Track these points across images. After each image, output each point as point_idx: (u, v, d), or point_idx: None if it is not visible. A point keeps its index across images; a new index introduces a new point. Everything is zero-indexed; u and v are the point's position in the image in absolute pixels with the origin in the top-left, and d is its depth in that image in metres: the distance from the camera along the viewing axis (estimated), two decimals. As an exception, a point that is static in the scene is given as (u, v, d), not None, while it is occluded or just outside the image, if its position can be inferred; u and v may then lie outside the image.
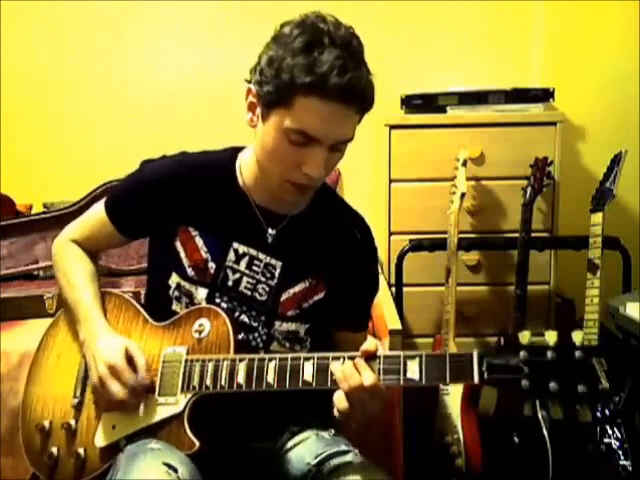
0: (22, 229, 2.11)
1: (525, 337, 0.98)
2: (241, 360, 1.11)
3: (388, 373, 1.03)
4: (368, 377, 1.01)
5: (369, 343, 1.05)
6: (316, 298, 1.24)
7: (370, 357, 1.04)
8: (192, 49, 2.53)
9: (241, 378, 1.10)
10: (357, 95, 1.06)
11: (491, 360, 0.99)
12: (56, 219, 2.08)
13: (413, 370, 1.01)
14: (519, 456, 1.82)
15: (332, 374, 1.04)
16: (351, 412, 1.03)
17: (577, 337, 0.96)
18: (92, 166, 2.47)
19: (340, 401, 1.03)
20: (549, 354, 0.96)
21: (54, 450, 1.21)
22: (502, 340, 2.04)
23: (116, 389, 1.14)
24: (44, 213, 2.18)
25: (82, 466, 1.18)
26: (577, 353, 0.95)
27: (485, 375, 0.98)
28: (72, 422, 1.21)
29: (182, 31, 2.52)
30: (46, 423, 1.23)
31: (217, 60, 2.53)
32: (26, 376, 1.32)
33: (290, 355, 1.09)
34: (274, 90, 1.07)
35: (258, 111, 1.13)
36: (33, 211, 2.36)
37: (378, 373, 1.03)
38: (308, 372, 1.07)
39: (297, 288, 1.23)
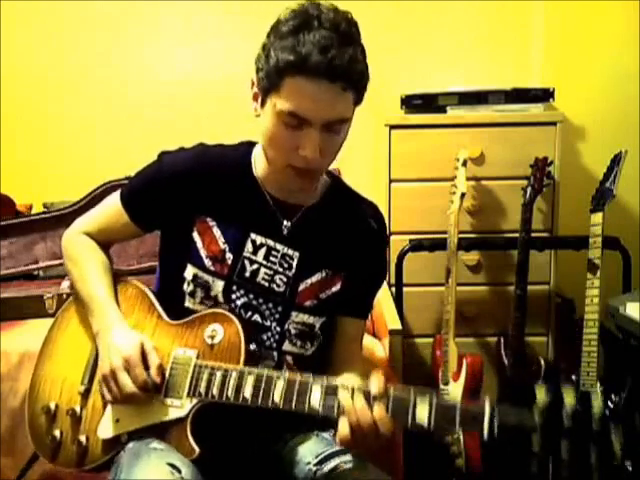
0: (22, 229, 2.11)
1: (541, 392, 0.97)
2: (250, 373, 1.10)
3: (396, 414, 1.01)
4: (379, 413, 1.01)
5: (378, 381, 1.04)
6: (334, 289, 1.25)
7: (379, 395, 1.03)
8: (192, 49, 2.53)
9: (248, 392, 1.09)
10: (342, 71, 1.05)
11: (503, 418, 0.95)
12: (56, 219, 2.09)
13: (422, 416, 1.00)
14: (519, 456, 1.81)
15: (339, 405, 1.03)
16: (352, 443, 1.03)
17: (596, 403, 0.93)
18: (92, 166, 2.48)
19: (344, 428, 1.02)
20: (566, 421, 0.92)
21: (57, 433, 1.21)
22: (502, 340, 2.05)
23: (126, 382, 1.13)
24: (44, 213, 2.18)
25: (83, 454, 1.18)
26: (594, 421, 0.93)
27: (495, 432, 0.95)
28: (77, 409, 1.21)
29: (182, 31, 2.52)
30: (52, 405, 1.23)
31: (217, 60, 2.53)
32: (28, 375, 1.32)
33: (299, 377, 1.08)
34: (265, 75, 1.10)
35: (259, 99, 1.15)
36: (33, 211, 2.36)
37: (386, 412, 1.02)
38: (315, 397, 1.06)
39: (314, 279, 1.24)
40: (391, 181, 2.21)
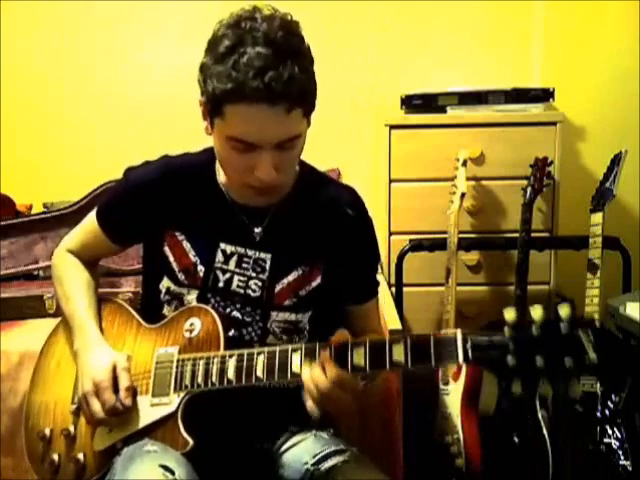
0: (22, 229, 2.11)
1: (510, 313, 0.96)
2: (231, 356, 1.11)
3: (375, 358, 1.02)
4: (331, 372, 1.02)
5: (340, 335, 1.07)
6: (314, 284, 1.24)
7: (356, 344, 1.04)
8: (192, 49, 2.51)
9: (231, 374, 1.10)
10: (280, 94, 1.02)
11: (475, 339, 0.97)
12: (56, 219, 2.08)
13: (399, 353, 1.01)
14: (519, 456, 1.82)
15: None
16: (320, 406, 1.04)
17: (563, 310, 0.94)
18: (92, 166, 2.47)
19: (307, 401, 1.04)
20: (534, 329, 0.94)
21: (55, 457, 1.21)
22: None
23: (96, 408, 1.15)
24: (44, 213, 2.18)
25: (82, 471, 1.18)
26: (563, 326, 0.92)
27: (470, 354, 0.97)
28: (71, 428, 1.22)
29: (182, 31, 2.52)
30: (47, 430, 1.24)
31: (217, 60, 2.52)
32: (28, 375, 1.33)
33: (278, 348, 1.10)
34: (207, 101, 1.08)
35: (208, 120, 1.13)
36: (33, 211, 2.36)
37: (364, 359, 1.02)
38: (296, 363, 1.07)
39: (290, 277, 1.23)
40: (391, 181, 2.21)
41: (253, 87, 1.01)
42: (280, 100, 1.03)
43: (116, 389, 1.16)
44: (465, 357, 0.97)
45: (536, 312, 0.95)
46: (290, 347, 1.09)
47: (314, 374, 1.03)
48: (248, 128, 1.05)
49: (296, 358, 1.07)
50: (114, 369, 1.17)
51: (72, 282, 1.33)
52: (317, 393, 1.02)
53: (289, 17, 1.07)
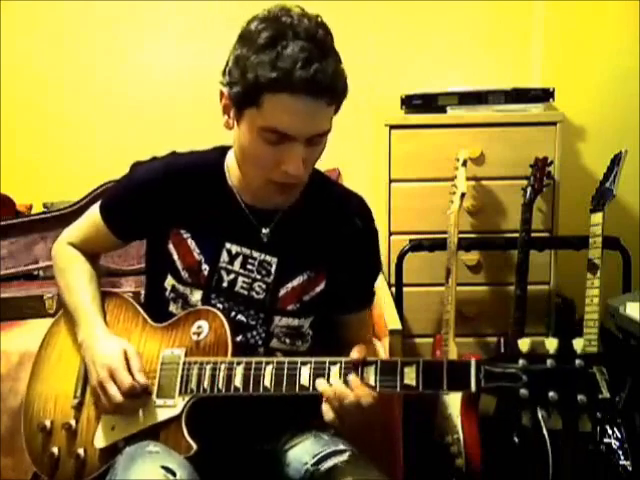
0: (22, 229, 2.11)
1: (525, 344, 0.96)
2: (239, 363, 1.11)
3: (385, 379, 1.03)
4: (363, 394, 1.02)
5: (360, 349, 1.06)
6: (317, 290, 1.23)
7: (367, 362, 1.04)
8: (192, 49, 2.53)
9: (238, 382, 1.10)
10: (325, 87, 1.03)
11: (489, 368, 0.97)
12: (56, 219, 2.08)
13: (410, 377, 1.01)
14: (519, 456, 1.82)
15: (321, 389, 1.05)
16: (339, 423, 1.04)
17: (578, 345, 0.94)
18: (92, 166, 2.47)
19: (327, 411, 1.04)
20: (549, 362, 0.94)
21: (55, 450, 1.21)
22: (502, 340, 2.05)
23: (114, 392, 1.14)
24: (44, 213, 2.18)
25: (82, 467, 1.18)
26: (577, 361, 0.93)
27: (482, 383, 0.97)
28: (72, 422, 1.22)
29: (182, 31, 2.52)
30: (47, 422, 1.23)
31: (216, 60, 2.51)
32: (28, 375, 1.33)
33: (287, 359, 1.09)
34: (242, 90, 1.06)
35: (232, 113, 1.12)
36: (33, 211, 2.36)
37: (374, 378, 1.03)
38: (305, 376, 1.07)
39: (295, 282, 1.22)
40: (391, 181, 2.21)
41: (299, 77, 1.01)
42: (323, 93, 1.04)
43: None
44: (478, 385, 0.97)
45: (551, 344, 0.95)
46: (299, 360, 1.08)
47: (340, 393, 1.03)
48: (287, 118, 1.04)
49: (305, 371, 1.07)
50: (125, 354, 1.17)
51: (74, 274, 1.32)
52: (340, 410, 1.03)
53: (319, 18, 1.08)
